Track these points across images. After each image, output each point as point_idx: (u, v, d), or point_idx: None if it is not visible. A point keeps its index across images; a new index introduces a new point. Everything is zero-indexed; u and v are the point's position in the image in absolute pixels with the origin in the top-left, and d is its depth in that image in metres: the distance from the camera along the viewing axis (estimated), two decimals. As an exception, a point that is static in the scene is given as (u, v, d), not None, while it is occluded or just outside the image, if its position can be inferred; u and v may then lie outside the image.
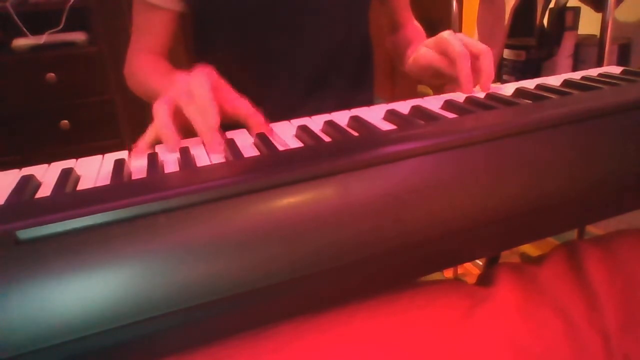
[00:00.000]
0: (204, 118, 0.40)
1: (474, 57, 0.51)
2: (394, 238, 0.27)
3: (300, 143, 0.39)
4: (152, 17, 0.65)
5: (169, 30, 0.67)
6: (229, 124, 0.43)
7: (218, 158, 0.37)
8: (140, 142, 0.42)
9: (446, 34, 0.54)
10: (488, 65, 0.51)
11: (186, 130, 0.41)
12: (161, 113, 0.41)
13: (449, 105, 0.44)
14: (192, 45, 0.74)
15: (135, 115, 1.47)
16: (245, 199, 0.26)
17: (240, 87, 0.46)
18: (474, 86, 0.51)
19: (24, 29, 1.32)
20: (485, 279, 0.37)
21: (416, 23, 0.82)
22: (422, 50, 0.58)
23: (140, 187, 0.27)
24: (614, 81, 0.45)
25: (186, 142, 0.41)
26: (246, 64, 0.68)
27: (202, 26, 0.70)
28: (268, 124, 0.43)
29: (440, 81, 0.59)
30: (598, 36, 0.99)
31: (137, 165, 0.37)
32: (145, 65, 0.66)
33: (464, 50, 0.51)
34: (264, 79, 0.69)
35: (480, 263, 1.34)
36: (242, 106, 0.44)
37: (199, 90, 0.41)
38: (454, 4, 1.19)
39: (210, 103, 0.40)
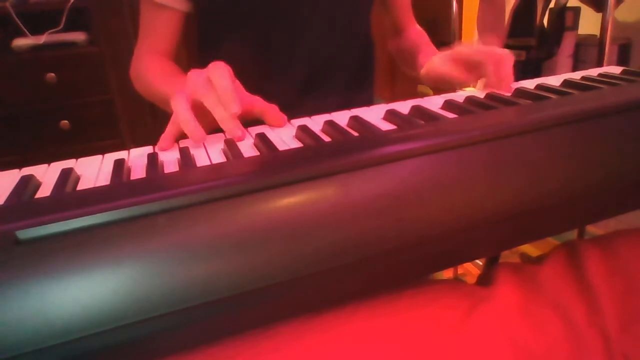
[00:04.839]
0: (225, 106, 0.41)
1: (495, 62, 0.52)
2: (394, 238, 0.27)
3: (300, 143, 0.39)
4: (159, 18, 0.66)
5: (176, 31, 0.67)
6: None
7: (218, 158, 0.37)
8: (164, 135, 0.42)
9: (461, 47, 0.56)
10: (508, 68, 0.52)
11: (206, 122, 0.42)
12: (181, 107, 0.41)
13: (449, 105, 0.44)
14: (196, 45, 0.74)
15: (135, 115, 1.47)
16: (245, 199, 0.26)
17: (242, 85, 0.46)
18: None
19: (24, 29, 1.32)
20: (485, 279, 0.37)
21: (418, 26, 0.83)
22: (435, 61, 0.60)
23: (140, 187, 0.27)
24: (614, 81, 0.45)
25: (186, 142, 0.42)
26: (248, 63, 0.68)
27: (206, 25, 0.70)
28: (284, 115, 0.43)
29: (452, 87, 0.60)
30: (598, 36, 0.99)
31: (167, 159, 0.37)
32: (152, 67, 0.66)
33: (487, 56, 0.52)
34: (265, 77, 0.69)
35: (480, 263, 1.34)
36: (256, 102, 0.44)
37: (219, 80, 0.41)
38: (454, 4, 1.19)
39: (231, 92, 0.41)
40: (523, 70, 1.15)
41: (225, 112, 0.41)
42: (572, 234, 1.07)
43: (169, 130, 0.42)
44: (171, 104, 0.43)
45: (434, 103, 0.45)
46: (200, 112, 0.42)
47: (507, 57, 0.52)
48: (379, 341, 0.29)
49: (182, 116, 0.41)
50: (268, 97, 0.47)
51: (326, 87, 0.72)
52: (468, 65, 0.55)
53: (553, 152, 0.32)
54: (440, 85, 0.62)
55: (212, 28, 0.69)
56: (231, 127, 0.40)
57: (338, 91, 0.73)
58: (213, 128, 0.43)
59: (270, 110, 0.44)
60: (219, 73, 0.42)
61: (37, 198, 0.29)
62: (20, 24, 1.31)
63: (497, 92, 0.48)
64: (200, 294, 0.24)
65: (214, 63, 0.43)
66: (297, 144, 0.38)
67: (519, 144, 0.31)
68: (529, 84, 0.49)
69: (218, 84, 0.41)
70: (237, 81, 0.45)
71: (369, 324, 0.30)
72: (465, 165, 0.30)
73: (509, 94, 0.50)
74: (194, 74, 0.43)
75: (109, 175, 0.34)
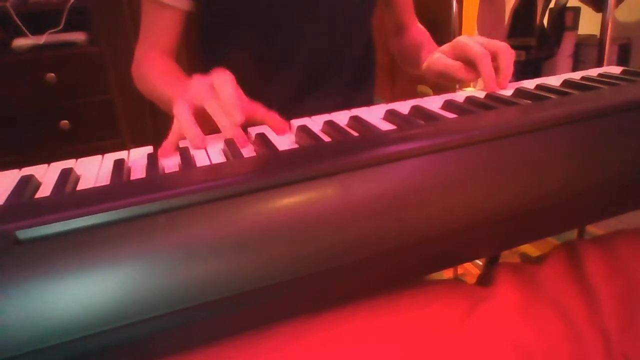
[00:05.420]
0: (228, 115, 0.41)
1: (493, 56, 0.52)
2: (395, 238, 0.27)
3: (300, 143, 0.39)
4: (161, 16, 0.66)
5: (177, 30, 0.67)
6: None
7: (218, 158, 0.37)
8: (166, 142, 0.42)
9: (463, 39, 0.55)
10: (506, 62, 0.52)
11: (208, 128, 0.42)
12: (183, 112, 0.42)
13: (449, 105, 0.44)
14: (197, 44, 0.74)
15: (135, 115, 1.47)
16: (245, 199, 0.26)
17: (241, 86, 0.46)
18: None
19: (24, 29, 1.32)
20: (485, 279, 0.37)
21: (420, 25, 0.83)
22: (435, 55, 0.60)
23: (140, 187, 0.27)
24: (614, 81, 0.45)
25: (186, 143, 0.42)
26: (248, 62, 0.68)
27: (207, 24, 0.70)
28: (287, 121, 0.43)
29: (453, 83, 0.60)
30: (598, 36, 0.99)
31: (168, 164, 0.37)
32: (154, 67, 0.65)
33: (484, 50, 0.52)
34: (265, 77, 0.69)
35: (480, 263, 1.34)
36: (258, 110, 0.45)
37: (223, 88, 0.41)
38: (454, 4, 1.19)
39: (234, 100, 0.41)
40: (523, 70, 1.15)
41: (228, 120, 0.41)
42: (572, 234, 1.07)
43: (171, 139, 0.42)
44: (174, 110, 0.43)
45: (434, 103, 0.45)
46: (202, 118, 0.42)
47: (506, 49, 0.52)
48: (379, 341, 0.29)
49: (184, 122, 0.41)
50: (268, 97, 0.47)
51: (326, 87, 0.72)
52: (467, 61, 0.55)
53: (553, 152, 0.32)
54: (440, 81, 0.62)
55: (213, 27, 0.69)
56: (234, 135, 0.40)
57: (338, 91, 0.73)
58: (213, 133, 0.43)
59: (271, 118, 0.44)
60: (222, 80, 0.42)
61: (37, 198, 0.29)
62: (20, 24, 1.31)
63: (497, 92, 0.48)
64: (200, 294, 0.24)
65: (218, 70, 0.43)
66: (296, 144, 0.38)
67: (519, 144, 0.31)
68: (529, 84, 0.49)
69: (221, 92, 0.41)
70: (240, 89, 0.45)
71: (369, 324, 0.30)
72: (465, 165, 0.30)
73: (507, 89, 0.50)
74: (197, 80, 0.43)
75: (109, 175, 0.34)
